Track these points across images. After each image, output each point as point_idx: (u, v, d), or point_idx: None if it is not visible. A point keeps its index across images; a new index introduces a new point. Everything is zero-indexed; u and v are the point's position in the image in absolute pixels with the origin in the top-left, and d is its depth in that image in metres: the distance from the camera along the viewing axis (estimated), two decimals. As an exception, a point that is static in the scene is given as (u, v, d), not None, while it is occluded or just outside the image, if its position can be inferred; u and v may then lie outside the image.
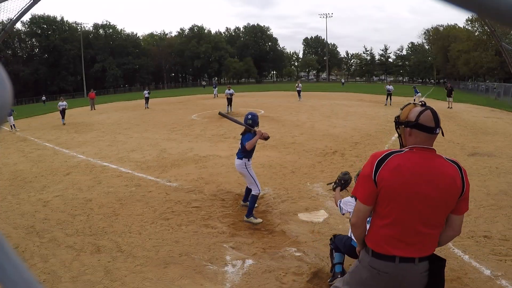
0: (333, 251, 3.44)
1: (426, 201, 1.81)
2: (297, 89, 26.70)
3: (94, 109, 27.39)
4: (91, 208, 5.80)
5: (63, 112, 18.49)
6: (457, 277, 3.46)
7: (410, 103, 2.01)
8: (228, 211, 5.44)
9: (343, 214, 3.40)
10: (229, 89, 20.29)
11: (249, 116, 5.14)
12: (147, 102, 25.36)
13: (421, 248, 1.89)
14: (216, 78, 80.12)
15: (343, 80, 68.16)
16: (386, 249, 1.89)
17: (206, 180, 7.08)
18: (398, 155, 1.86)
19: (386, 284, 1.94)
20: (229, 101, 20.15)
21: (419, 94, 21.85)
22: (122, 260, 4.06)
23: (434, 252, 1.95)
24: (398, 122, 1.99)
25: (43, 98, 44.28)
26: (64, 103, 18.80)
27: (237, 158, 5.10)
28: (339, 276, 3.21)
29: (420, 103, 1.95)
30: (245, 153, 5.04)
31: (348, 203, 3.21)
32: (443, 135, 2.06)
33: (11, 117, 17.03)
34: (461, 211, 1.92)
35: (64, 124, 18.05)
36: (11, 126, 16.84)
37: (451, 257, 3.85)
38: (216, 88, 35.01)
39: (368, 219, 1.99)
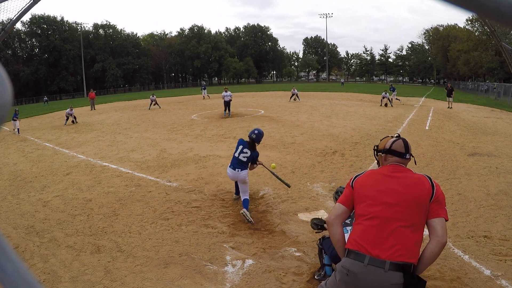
0: (322, 251, 3.45)
1: (395, 195, 2.02)
2: (293, 92, 26.65)
3: (94, 109, 27.41)
4: (91, 208, 5.80)
5: (68, 117, 18.41)
6: (457, 277, 3.46)
7: (388, 136, 2.36)
8: (228, 211, 5.43)
9: None
10: (226, 91, 18.12)
11: (256, 132, 5.30)
12: (155, 104, 24.57)
13: (396, 251, 1.90)
14: (207, 79, 79.35)
15: (342, 80, 68.16)
16: (359, 243, 1.99)
17: (206, 180, 7.08)
18: (373, 169, 2.27)
19: None
20: (227, 104, 17.84)
21: (395, 93, 23.51)
22: (122, 260, 4.07)
23: (419, 275, 1.94)
24: (377, 150, 2.34)
25: (45, 98, 44.06)
26: (73, 111, 18.77)
27: (242, 170, 5.19)
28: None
29: (396, 136, 2.30)
30: (248, 164, 5.26)
31: None
32: (415, 163, 2.50)
33: (17, 122, 15.82)
34: (437, 214, 1.98)
35: (65, 124, 18.11)
36: (17, 129, 15.74)
37: (451, 257, 3.86)
38: (205, 90, 32.93)
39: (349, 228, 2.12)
